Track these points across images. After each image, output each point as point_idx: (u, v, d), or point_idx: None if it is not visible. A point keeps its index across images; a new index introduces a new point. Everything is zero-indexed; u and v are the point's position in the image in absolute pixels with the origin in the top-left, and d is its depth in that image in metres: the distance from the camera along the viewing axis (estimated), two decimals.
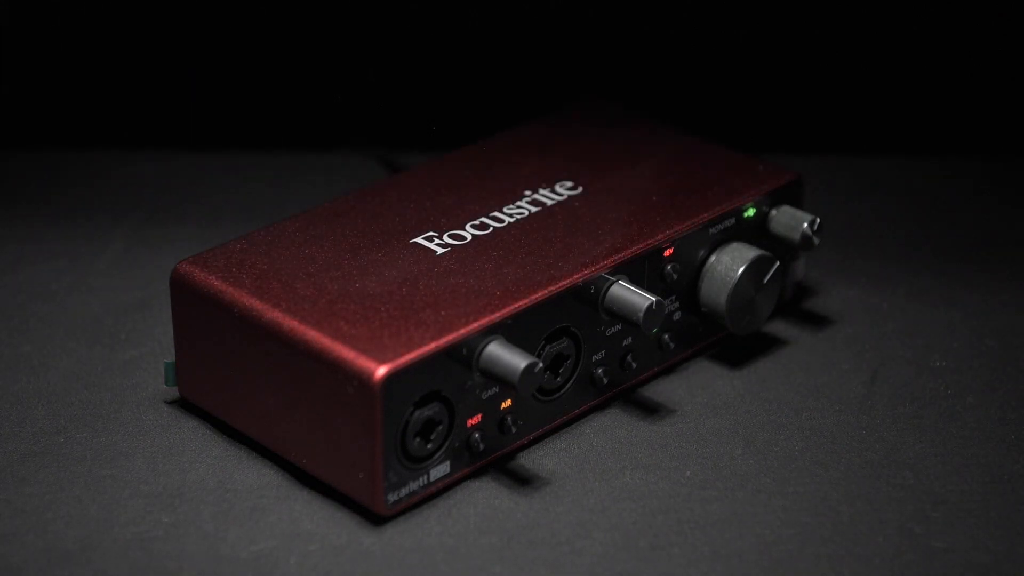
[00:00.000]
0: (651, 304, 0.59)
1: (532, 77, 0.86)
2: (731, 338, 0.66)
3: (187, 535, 0.56)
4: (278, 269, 0.59)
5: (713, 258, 0.63)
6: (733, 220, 0.64)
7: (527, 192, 0.64)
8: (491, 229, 0.62)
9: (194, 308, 0.59)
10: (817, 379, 0.64)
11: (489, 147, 0.68)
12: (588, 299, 0.59)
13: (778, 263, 0.64)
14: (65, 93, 0.85)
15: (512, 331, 0.57)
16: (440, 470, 0.57)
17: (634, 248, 0.61)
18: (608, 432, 0.61)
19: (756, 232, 0.65)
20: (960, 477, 0.59)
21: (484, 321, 0.56)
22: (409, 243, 0.61)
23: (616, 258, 0.60)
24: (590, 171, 0.66)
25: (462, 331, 0.56)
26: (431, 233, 0.62)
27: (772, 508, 0.57)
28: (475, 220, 0.62)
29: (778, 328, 0.67)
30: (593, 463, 0.59)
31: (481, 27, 0.85)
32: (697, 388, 0.64)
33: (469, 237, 0.61)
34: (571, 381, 0.60)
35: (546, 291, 0.58)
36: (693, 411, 0.62)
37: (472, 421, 0.57)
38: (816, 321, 0.68)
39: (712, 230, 0.63)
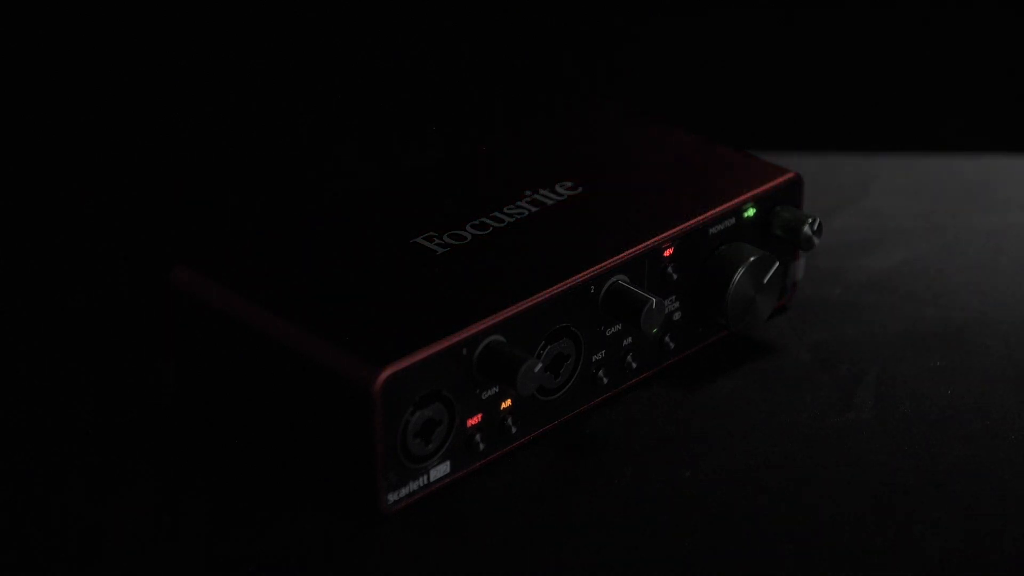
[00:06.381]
0: (651, 304, 0.59)
1: (532, 77, 0.86)
2: (731, 338, 0.66)
3: (188, 535, 0.56)
4: (277, 269, 0.59)
5: (718, 252, 0.63)
6: (733, 220, 0.64)
7: (527, 192, 0.64)
8: (491, 229, 0.62)
9: (193, 309, 0.59)
10: (817, 379, 0.64)
11: (489, 147, 0.68)
12: (588, 299, 0.59)
13: (778, 263, 0.64)
14: (65, 93, 0.85)
15: (512, 331, 0.57)
16: (440, 470, 0.57)
17: (634, 248, 0.61)
18: (608, 432, 0.61)
19: (756, 232, 0.65)
20: (960, 477, 0.59)
21: (484, 321, 0.56)
22: (409, 243, 0.61)
23: (616, 258, 0.60)
24: (590, 171, 0.66)
25: (462, 331, 0.56)
26: (431, 233, 0.62)
27: (772, 508, 0.57)
28: (475, 220, 0.62)
29: (778, 328, 0.67)
30: (593, 463, 0.59)
31: (482, 27, 0.85)
32: (697, 388, 0.64)
33: (469, 237, 0.61)
34: (571, 381, 0.60)
35: (546, 291, 0.58)
36: (693, 411, 0.62)
37: (472, 421, 0.57)
38: (816, 321, 0.68)
39: (712, 230, 0.63)
